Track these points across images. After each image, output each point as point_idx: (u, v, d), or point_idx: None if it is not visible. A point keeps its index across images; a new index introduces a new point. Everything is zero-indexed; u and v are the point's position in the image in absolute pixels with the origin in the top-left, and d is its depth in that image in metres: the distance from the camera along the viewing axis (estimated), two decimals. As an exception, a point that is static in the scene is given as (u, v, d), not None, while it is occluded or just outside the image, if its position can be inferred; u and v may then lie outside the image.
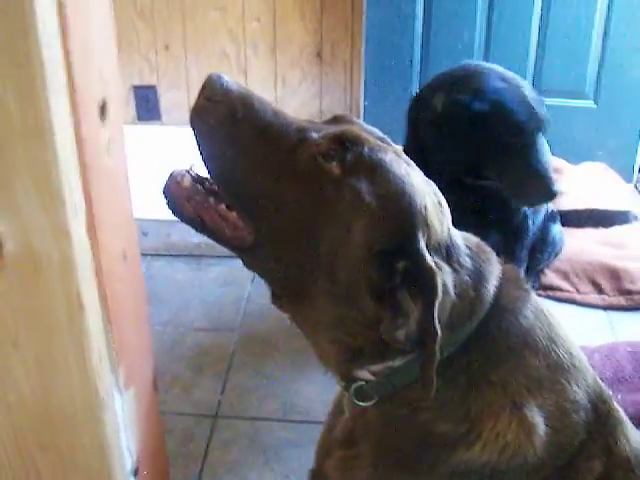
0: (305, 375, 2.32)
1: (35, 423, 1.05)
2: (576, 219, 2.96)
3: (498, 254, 1.21)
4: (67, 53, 0.85)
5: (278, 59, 3.77)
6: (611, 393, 1.25)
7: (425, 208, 1.08)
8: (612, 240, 2.97)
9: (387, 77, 3.56)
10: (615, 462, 1.19)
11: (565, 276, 2.80)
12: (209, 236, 1.14)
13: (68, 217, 0.90)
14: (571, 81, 3.44)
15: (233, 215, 1.11)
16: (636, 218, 3.03)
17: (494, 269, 1.16)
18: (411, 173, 1.11)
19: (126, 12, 3.57)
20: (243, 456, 2.03)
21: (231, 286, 2.81)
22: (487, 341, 1.13)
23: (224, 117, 1.08)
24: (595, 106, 3.50)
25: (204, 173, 1.13)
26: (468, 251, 1.14)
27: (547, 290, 2.74)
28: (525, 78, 2.37)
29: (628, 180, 3.56)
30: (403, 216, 1.07)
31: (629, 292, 2.73)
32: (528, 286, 1.21)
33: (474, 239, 1.19)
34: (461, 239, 1.15)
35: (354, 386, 1.17)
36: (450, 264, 1.10)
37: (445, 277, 1.06)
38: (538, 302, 1.21)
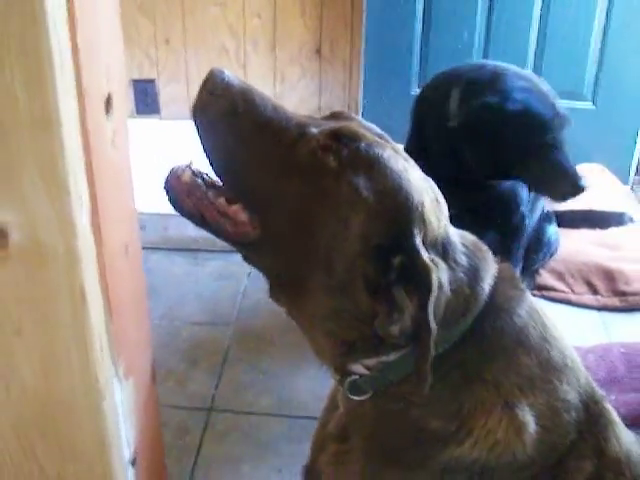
0: (300, 370, 2.33)
1: (36, 411, 1.05)
2: (572, 220, 2.97)
3: (495, 253, 1.22)
4: (75, 47, 0.86)
5: (278, 55, 3.77)
6: (604, 393, 1.26)
7: (422, 204, 1.09)
8: (607, 241, 2.97)
9: (386, 75, 3.56)
10: (606, 463, 1.19)
11: (560, 276, 2.81)
12: (210, 231, 1.15)
13: (73, 209, 0.91)
14: (569, 82, 3.45)
15: (232, 209, 1.12)
16: (632, 220, 3.04)
17: (490, 268, 1.17)
18: (409, 169, 1.12)
19: (127, 6, 3.57)
20: (237, 450, 2.04)
21: (227, 280, 2.82)
22: (481, 339, 1.13)
23: (225, 111, 1.09)
24: (593, 107, 3.51)
25: (205, 168, 1.14)
26: (464, 249, 1.15)
27: (542, 290, 2.75)
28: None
29: (624, 182, 3.57)
30: (400, 211, 1.08)
31: (623, 293, 2.74)
32: (523, 286, 1.22)
33: (471, 237, 1.20)
34: (458, 237, 1.16)
35: (348, 380, 1.18)
36: (446, 261, 1.10)
37: (440, 273, 1.06)
38: (533, 302, 1.22)
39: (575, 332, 2.39)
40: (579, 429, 1.17)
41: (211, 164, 1.12)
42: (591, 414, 1.20)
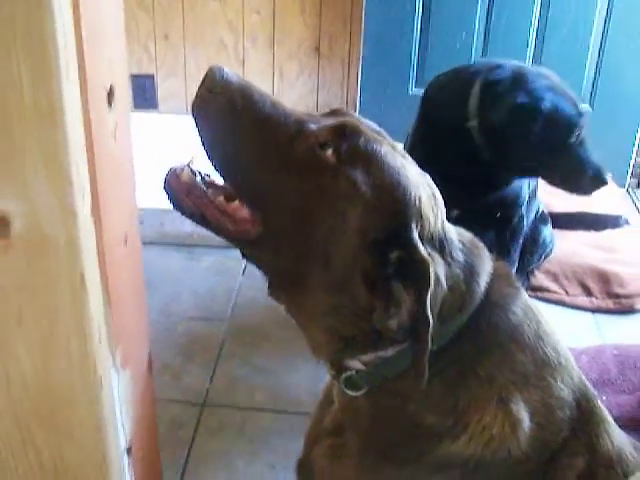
0: (294, 366, 2.34)
1: (34, 398, 1.06)
2: (567, 222, 2.97)
3: (492, 253, 1.23)
4: (79, 37, 0.87)
5: (276, 52, 3.77)
6: (596, 394, 1.27)
7: (419, 199, 1.10)
8: (603, 244, 2.98)
9: (384, 74, 3.57)
10: (597, 460, 1.20)
11: (555, 278, 2.82)
12: (210, 230, 1.16)
13: (75, 198, 0.91)
14: (568, 85, 3.46)
15: (232, 207, 1.13)
16: (627, 223, 3.05)
17: (486, 265, 1.18)
18: (406, 165, 1.13)
19: (126, 1, 3.54)
20: (230, 444, 2.04)
21: (223, 276, 2.83)
22: (476, 335, 1.14)
23: (224, 108, 1.10)
24: (591, 110, 3.52)
25: (204, 165, 1.15)
26: (461, 246, 1.16)
27: (536, 291, 2.76)
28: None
29: (621, 185, 3.58)
30: (397, 206, 1.08)
31: (617, 296, 2.75)
32: (518, 284, 1.23)
33: (468, 235, 1.21)
34: (455, 234, 1.17)
35: (344, 375, 1.19)
36: (443, 257, 1.11)
37: (437, 268, 1.08)
38: (527, 300, 1.23)
39: (569, 333, 2.40)
40: (572, 426, 1.19)
41: (211, 161, 1.13)
42: (584, 412, 1.21)
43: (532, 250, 2.61)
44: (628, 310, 2.73)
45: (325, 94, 3.87)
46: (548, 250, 2.71)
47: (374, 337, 1.12)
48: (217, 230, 1.15)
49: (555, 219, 2.80)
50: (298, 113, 1.15)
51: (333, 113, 1.20)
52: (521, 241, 2.43)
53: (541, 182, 2.49)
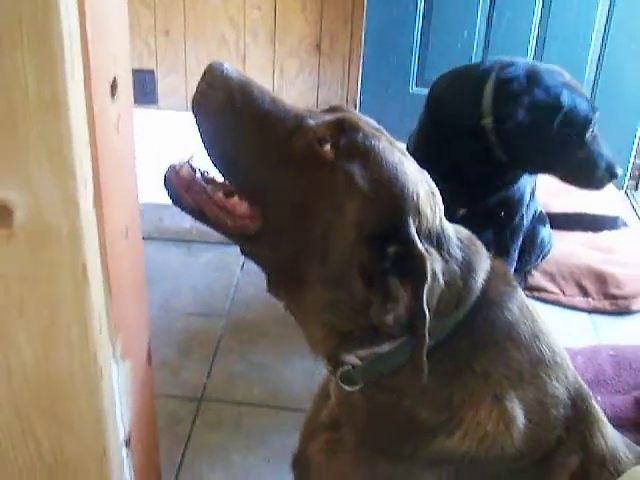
0: (290, 363, 2.35)
1: (35, 389, 1.06)
2: (565, 222, 2.98)
3: (490, 251, 1.24)
4: (84, 31, 0.87)
5: (277, 49, 3.78)
6: (591, 393, 1.28)
7: (417, 195, 1.11)
8: (600, 245, 2.99)
9: (385, 72, 3.57)
10: (591, 458, 1.21)
11: (552, 278, 2.82)
12: (210, 225, 1.16)
13: (78, 190, 0.92)
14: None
15: (230, 203, 1.13)
16: (625, 224, 3.05)
17: (483, 263, 1.19)
18: (404, 161, 1.14)
19: (128, -4, 3.57)
20: (227, 439, 2.05)
21: (221, 272, 2.83)
22: (472, 332, 1.15)
23: (223, 103, 1.11)
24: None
25: (204, 161, 1.16)
26: (459, 243, 1.17)
27: (533, 291, 2.77)
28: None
29: (619, 186, 3.59)
30: (394, 201, 1.09)
31: (614, 297, 2.76)
32: (515, 282, 1.24)
33: (466, 232, 1.21)
34: (453, 231, 1.18)
35: (341, 370, 1.20)
36: (440, 253, 1.12)
37: (434, 264, 1.08)
38: (524, 298, 1.23)
39: (565, 334, 2.41)
40: (566, 425, 1.19)
41: (210, 156, 1.14)
42: (578, 411, 1.21)
43: (530, 250, 2.62)
44: (624, 311, 2.74)
45: (325, 92, 3.88)
46: (546, 250, 2.72)
47: (371, 332, 1.12)
48: (216, 226, 1.16)
49: (553, 220, 2.81)
50: (297, 109, 1.16)
51: (332, 109, 1.21)
52: (520, 241, 2.44)
53: (539, 182, 2.50)
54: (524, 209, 2.37)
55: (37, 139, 0.89)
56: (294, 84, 3.86)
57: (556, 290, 2.79)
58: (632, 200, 3.60)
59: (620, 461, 1.23)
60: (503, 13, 3.41)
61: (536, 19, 3.41)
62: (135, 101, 1.16)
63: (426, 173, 1.18)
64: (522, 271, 2.66)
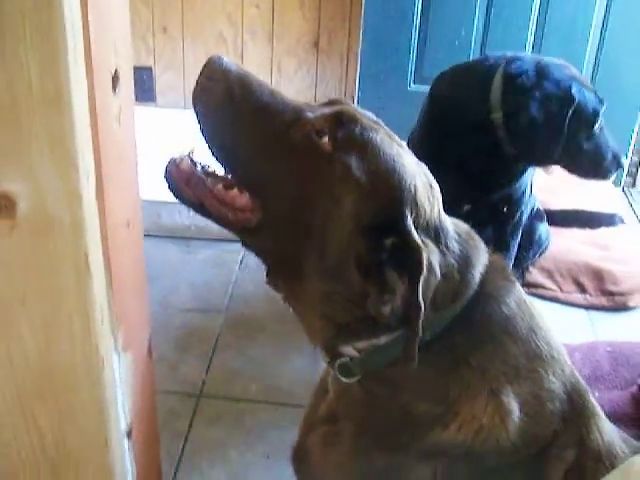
0: (289, 358, 2.35)
1: (37, 379, 1.07)
2: (563, 219, 2.99)
3: (492, 248, 1.25)
4: (86, 24, 0.88)
5: (275, 46, 3.78)
6: (588, 389, 1.28)
7: (415, 187, 1.12)
8: (598, 241, 2.99)
9: (383, 70, 3.57)
10: (587, 453, 1.21)
11: (549, 274, 2.83)
12: (210, 218, 1.17)
13: (80, 181, 0.93)
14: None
15: (230, 195, 1.14)
16: (622, 221, 3.07)
17: (481, 257, 1.19)
18: (402, 154, 1.14)
19: (126, -7, 3.57)
20: (226, 435, 2.05)
21: (219, 269, 2.83)
22: (469, 326, 1.16)
23: (223, 95, 1.12)
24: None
25: (203, 157, 1.16)
26: (457, 236, 1.17)
27: (531, 288, 2.77)
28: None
29: (616, 183, 3.59)
30: (391, 193, 1.10)
31: (611, 293, 2.77)
32: (513, 277, 1.24)
33: (464, 226, 1.22)
34: (451, 224, 1.18)
35: (338, 362, 1.21)
36: (437, 246, 1.13)
37: (431, 256, 1.09)
38: (522, 293, 1.24)
39: (562, 330, 2.39)
40: (563, 420, 1.19)
41: (210, 149, 1.15)
42: (575, 405, 1.22)
43: (527, 247, 2.62)
44: (621, 307, 2.75)
45: (323, 89, 3.88)
46: (543, 247, 2.73)
47: (368, 324, 1.13)
48: (216, 219, 1.16)
49: (551, 216, 2.82)
50: (296, 102, 1.17)
51: (331, 103, 1.22)
52: (520, 237, 2.45)
53: (537, 179, 2.51)
54: (524, 205, 2.38)
55: (40, 132, 0.90)
56: (292, 82, 3.86)
57: (553, 287, 2.80)
58: (629, 197, 3.61)
59: (616, 456, 1.24)
60: (501, 10, 3.41)
61: (534, 16, 3.42)
62: (132, 98, 1.17)
63: (424, 166, 1.19)
64: (520, 268, 2.67)
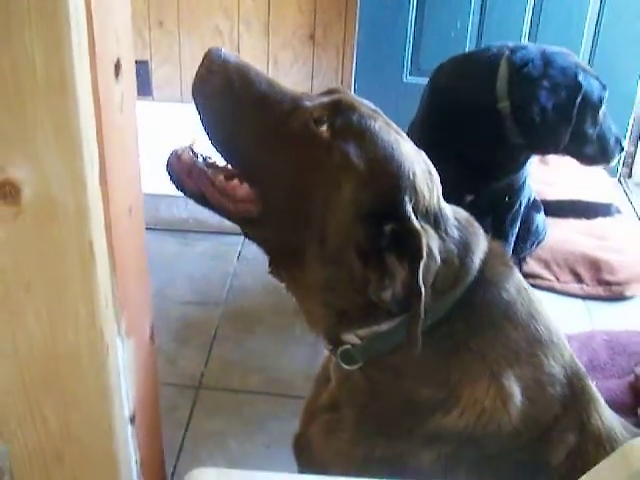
0: (288, 350, 2.36)
1: (42, 365, 1.08)
2: (559, 209, 2.99)
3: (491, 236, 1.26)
4: (89, 12, 0.89)
5: (271, 39, 3.77)
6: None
7: (413, 174, 1.13)
8: (594, 231, 3.00)
9: (379, 62, 3.57)
10: (587, 437, 1.22)
11: (546, 265, 2.84)
12: (211, 209, 1.18)
13: (85, 168, 0.94)
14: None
15: (231, 185, 1.15)
16: (618, 211, 3.07)
17: (481, 243, 1.20)
18: (400, 141, 1.15)
19: (121, -14, 3.55)
20: (225, 426, 2.06)
21: (218, 261, 2.83)
22: (470, 311, 1.17)
23: (222, 86, 1.13)
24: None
25: (205, 149, 1.17)
26: (456, 223, 1.18)
27: (528, 278, 2.76)
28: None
29: (612, 174, 3.60)
30: (390, 179, 1.11)
31: (608, 283, 2.78)
32: (512, 263, 1.25)
33: (464, 213, 1.23)
34: (451, 211, 1.19)
35: (341, 349, 1.21)
36: (437, 232, 1.14)
37: (430, 241, 1.10)
38: (521, 279, 1.25)
39: (560, 320, 2.41)
40: (563, 404, 1.20)
41: (210, 140, 1.16)
42: (575, 390, 1.23)
43: (524, 237, 2.63)
44: (618, 297, 2.76)
45: (320, 82, 3.87)
46: (540, 237, 2.74)
47: (369, 311, 1.14)
48: (218, 210, 1.17)
49: (547, 207, 2.82)
50: (294, 91, 1.18)
51: (329, 92, 1.22)
52: (518, 227, 2.46)
53: (533, 170, 2.52)
54: (523, 195, 2.39)
55: (45, 118, 0.90)
56: (288, 74, 3.85)
57: (550, 277, 2.81)
58: (625, 187, 3.61)
59: (616, 440, 1.25)
60: (496, 1, 3.41)
61: (529, 7, 3.41)
62: (130, 92, 1.17)
63: (423, 153, 1.20)
64: (517, 258, 2.68)
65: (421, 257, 1.06)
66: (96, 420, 1.13)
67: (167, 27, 3.78)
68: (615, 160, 2.30)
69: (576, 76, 2.07)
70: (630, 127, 3.61)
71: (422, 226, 1.10)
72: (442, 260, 1.12)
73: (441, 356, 1.16)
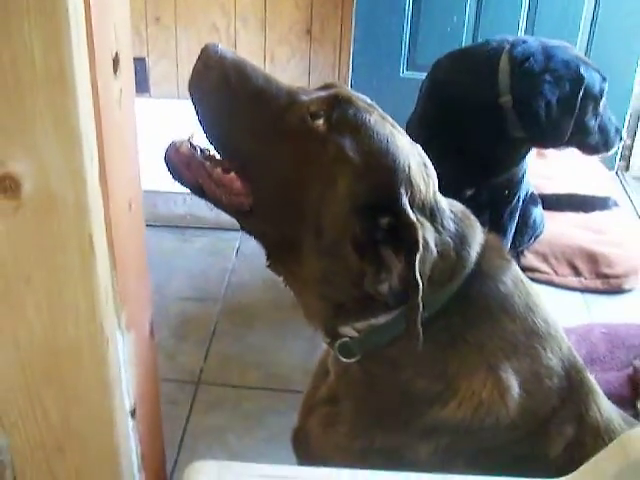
0: (287, 345, 2.36)
1: (43, 359, 1.08)
2: (557, 203, 2.99)
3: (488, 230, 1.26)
4: (88, 6, 0.89)
5: (268, 35, 3.77)
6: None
7: (409, 167, 1.13)
8: (592, 225, 3.00)
9: (375, 57, 3.57)
10: (585, 429, 1.22)
11: (544, 258, 2.84)
12: (208, 201, 1.19)
13: (84, 161, 0.94)
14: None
15: (228, 178, 1.16)
16: (616, 204, 3.08)
17: (477, 236, 1.21)
18: (396, 134, 1.16)
19: (118, -18, 3.55)
20: (225, 421, 2.07)
21: (216, 257, 2.84)
22: (467, 304, 1.17)
23: (219, 81, 1.14)
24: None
25: (204, 142, 1.18)
26: (452, 216, 1.19)
27: (526, 271, 2.74)
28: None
29: (610, 167, 3.60)
30: (386, 172, 1.12)
31: (606, 276, 2.78)
32: (509, 256, 1.25)
33: (460, 206, 1.23)
34: (446, 204, 1.20)
35: (338, 342, 1.22)
36: (433, 224, 1.14)
37: (427, 233, 1.10)
38: (518, 272, 1.25)
39: (558, 313, 2.41)
40: (561, 396, 1.20)
41: (206, 135, 1.16)
42: (573, 382, 1.23)
43: (522, 231, 2.63)
44: (616, 290, 2.77)
45: (316, 77, 3.87)
46: (538, 231, 2.74)
47: (366, 304, 1.15)
48: (214, 202, 1.18)
49: (545, 200, 2.83)
50: (290, 86, 1.19)
51: (326, 87, 1.23)
52: (516, 221, 2.46)
53: (530, 164, 2.52)
54: (521, 189, 2.40)
55: (44, 111, 0.90)
56: (285, 70, 3.85)
57: (548, 270, 2.81)
58: (622, 181, 3.62)
59: (615, 431, 1.25)
60: (492, -2, 3.41)
61: (525, 2, 3.42)
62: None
63: (419, 146, 1.20)
64: (515, 252, 2.68)
65: (417, 250, 1.06)
66: (97, 413, 1.14)
67: (164, 23, 3.77)
68: (615, 149, 2.31)
69: (578, 69, 2.08)
70: (627, 121, 3.61)
71: (418, 219, 1.10)
72: (438, 253, 1.12)
73: (438, 348, 1.17)
